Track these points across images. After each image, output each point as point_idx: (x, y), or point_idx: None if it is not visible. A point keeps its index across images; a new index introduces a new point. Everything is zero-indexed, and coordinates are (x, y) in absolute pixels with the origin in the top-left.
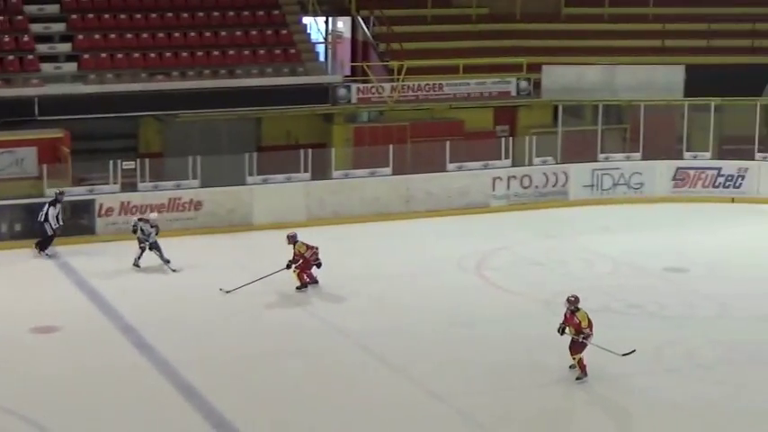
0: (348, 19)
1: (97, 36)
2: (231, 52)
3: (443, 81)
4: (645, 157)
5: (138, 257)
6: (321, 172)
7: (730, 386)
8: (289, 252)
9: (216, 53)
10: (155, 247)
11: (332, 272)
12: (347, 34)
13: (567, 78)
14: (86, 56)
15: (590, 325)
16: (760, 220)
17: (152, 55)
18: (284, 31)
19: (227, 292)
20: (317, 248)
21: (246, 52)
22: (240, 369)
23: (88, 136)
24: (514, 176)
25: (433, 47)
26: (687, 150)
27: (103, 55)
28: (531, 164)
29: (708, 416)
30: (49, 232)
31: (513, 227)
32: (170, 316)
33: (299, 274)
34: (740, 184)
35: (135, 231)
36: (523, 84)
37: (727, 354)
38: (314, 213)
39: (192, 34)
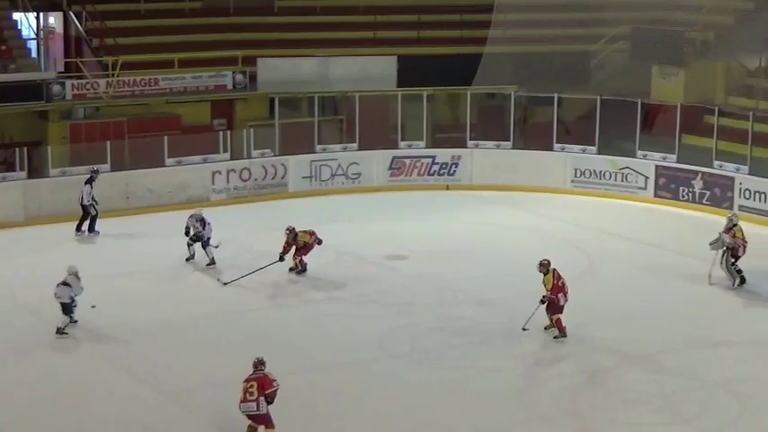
0: (60, 14)
1: None
2: None
3: (159, 76)
4: (361, 148)
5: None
6: (38, 171)
7: (454, 369)
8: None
9: None
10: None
11: (54, 274)
12: (59, 30)
13: (282, 71)
14: None
15: (554, 288)
16: (474, 206)
17: None
18: None
19: (225, 283)
20: (314, 232)
21: None
22: None
23: None
24: (234, 170)
25: (147, 41)
26: (402, 140)
27: None
28: (249, 157)
29: (433, 399)
30: (92, 212)
31: (235, 220)
32: None
33: (299, 261)
34: (454, 171)
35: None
36: (239, 77)
37: (450, 338)
38: (32, 213)
39: None
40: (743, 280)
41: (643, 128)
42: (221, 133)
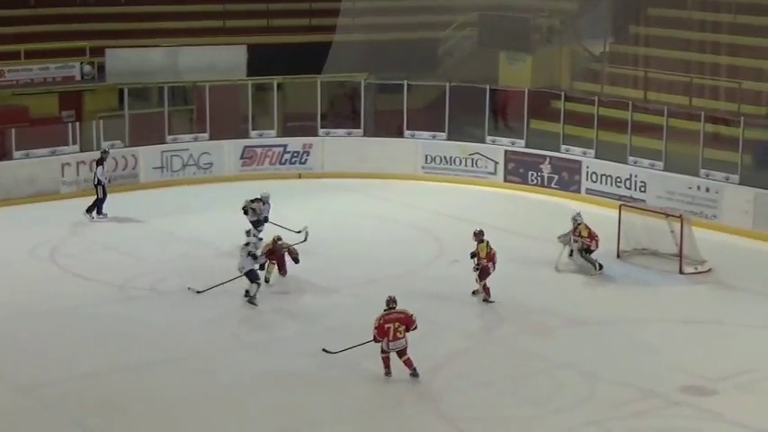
0: None
1: None
2: None
3: (5, 67)
4: (212, 138)
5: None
6: None
7: (308, 357)
8: None
9: None
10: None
11: None
12: None
13: (131, 61)
14: None
15: (488, 256)
16: (326, 194)
17: None
18: None
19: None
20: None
21: None
22: None
23: None
24: (83, 162)
25: None
26: (253, 129)
27: None
28: (99, 148)
29: (288, 387)
30: (100, 195)
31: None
32: None
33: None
34: (306, 159)
35: (246, 213)
36: (87, 68)
37: (303, 326)
38: None
39: None
40: (599, 266)
41: (491, 114)
42: (70, 125)
